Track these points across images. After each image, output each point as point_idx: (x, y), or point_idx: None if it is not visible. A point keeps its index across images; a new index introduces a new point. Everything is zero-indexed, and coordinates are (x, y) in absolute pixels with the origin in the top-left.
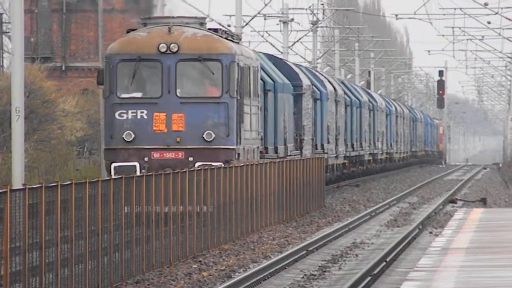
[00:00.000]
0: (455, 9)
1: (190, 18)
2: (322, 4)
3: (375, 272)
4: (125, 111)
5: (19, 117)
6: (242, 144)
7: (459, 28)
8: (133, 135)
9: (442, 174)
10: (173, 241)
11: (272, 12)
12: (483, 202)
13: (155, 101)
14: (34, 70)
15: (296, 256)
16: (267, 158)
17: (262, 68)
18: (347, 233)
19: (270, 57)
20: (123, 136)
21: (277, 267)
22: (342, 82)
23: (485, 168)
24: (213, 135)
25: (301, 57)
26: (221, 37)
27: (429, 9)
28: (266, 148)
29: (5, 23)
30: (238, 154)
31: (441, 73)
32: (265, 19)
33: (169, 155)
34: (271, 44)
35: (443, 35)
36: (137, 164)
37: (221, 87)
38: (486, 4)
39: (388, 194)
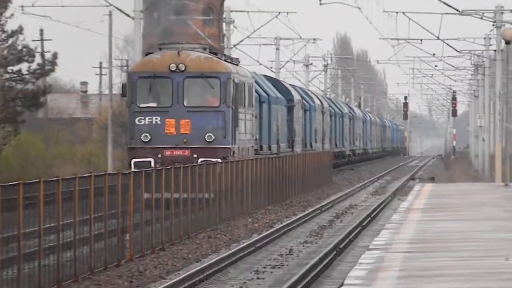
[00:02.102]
0: (414, 57)
1: (195, 44)
2: (330, 54)
3: (363, 224)
4: (143, 118)
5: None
6: (237, 144)
7: (417, 69)
8: (149, 137)
9: (406, 162)
10: (236, 204)
11: (298, 59)
12: (432, 179)
13: (166, 110)
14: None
15: (314, 214)
16: (261, 154)
17: (260, 86)
18: (346, 199)
19: (269, 78)
20: (141, 137)
21: (301, 221)
22: (329, 98)
23: (433, 158)
24: (213, 137)
25: (317, 88)
26: (220, 59)
27: (398, 57)
28: (261, 147)
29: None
30: (233, 152)
31: (405, 98)
32: (294, 63)
33: (178, 153)
34: (298, 79)
35: (407, 74)
36: (152, 160)
37: (219, 99)
38: (434, 54)
39: (372, 175)
